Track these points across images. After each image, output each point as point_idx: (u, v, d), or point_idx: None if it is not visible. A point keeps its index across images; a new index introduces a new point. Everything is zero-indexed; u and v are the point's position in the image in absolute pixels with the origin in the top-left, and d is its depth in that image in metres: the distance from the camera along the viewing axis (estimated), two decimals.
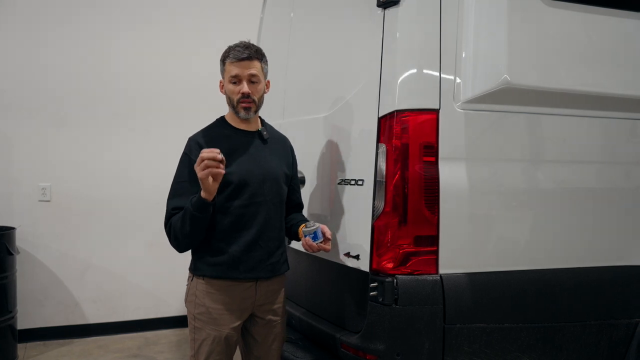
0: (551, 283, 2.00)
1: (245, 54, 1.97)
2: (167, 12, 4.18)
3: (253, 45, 2.03)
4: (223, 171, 1.82)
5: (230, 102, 2.03)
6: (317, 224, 2.01)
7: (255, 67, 1.99)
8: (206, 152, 1.79)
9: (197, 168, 1.81)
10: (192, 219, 1.89)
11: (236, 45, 2.01)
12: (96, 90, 4.01)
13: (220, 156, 1.79)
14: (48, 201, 3.92)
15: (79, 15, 3.95)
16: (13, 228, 3.55)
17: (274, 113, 2.62)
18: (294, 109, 2.63)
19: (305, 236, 2.00)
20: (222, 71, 2.05)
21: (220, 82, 2.08)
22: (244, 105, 2.00)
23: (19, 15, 3.81)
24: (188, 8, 4.22)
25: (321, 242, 1.99)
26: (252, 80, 1.99)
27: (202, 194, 1.86)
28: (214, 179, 1.83)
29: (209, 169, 1.79)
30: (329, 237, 2.00)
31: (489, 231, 1.96)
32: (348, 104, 2.15)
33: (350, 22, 2.22)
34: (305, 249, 2.03)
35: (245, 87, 1.98)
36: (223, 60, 2.02)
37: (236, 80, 1.99)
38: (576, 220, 2.06)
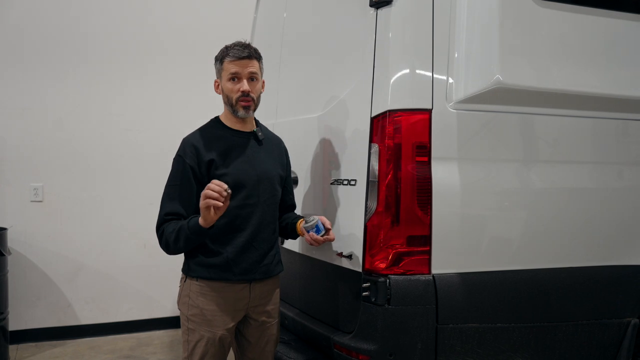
0: (543, 283, 2.01)
1: (245, 52, 1.97)
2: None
3: (250, 44, 2.02)
4: (225, 206, 1.78)
5: (228, 101, 2.01)
6: (316, 217, 2.00)
7: (254, 66, 2.00)
8: (215, 185, 1.75)
9: (202, 195, 1.78)
10: (187, 240, 1.89)
11: (234, 45, 2.00)
12: (92, 89, 3.98)
13: (227, 193, 1.75)
14: (40, 201, 3.89)
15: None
16: (5, 228, 3.53)
17: (267, 113, 2.61)
18: (287, 109, 2.62)
19: (308, 232, 1.99)
20: (219, 70, 2.03)
21: (216, 82, 2.07)
22: (243, 103, 1.98)
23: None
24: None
25: (325, 234, 1.98)
26: (251, 77, 1.99)
27: (200, 220, 1.83)
28: (215, 211, 1.79)
29: (207, 200, 1.75)
30: (329, 226, 2.00)
31: (481, 231, 1.96)
32: (341, 104, 2.15)
33: (343, 22, 2.22)
34: (311, 244, 2.01)
35: (245, 85, 1.97)
36: (221, 60, 2.01)
37: (236, 78, 1.98)
38: (568, 220, 2.07)
